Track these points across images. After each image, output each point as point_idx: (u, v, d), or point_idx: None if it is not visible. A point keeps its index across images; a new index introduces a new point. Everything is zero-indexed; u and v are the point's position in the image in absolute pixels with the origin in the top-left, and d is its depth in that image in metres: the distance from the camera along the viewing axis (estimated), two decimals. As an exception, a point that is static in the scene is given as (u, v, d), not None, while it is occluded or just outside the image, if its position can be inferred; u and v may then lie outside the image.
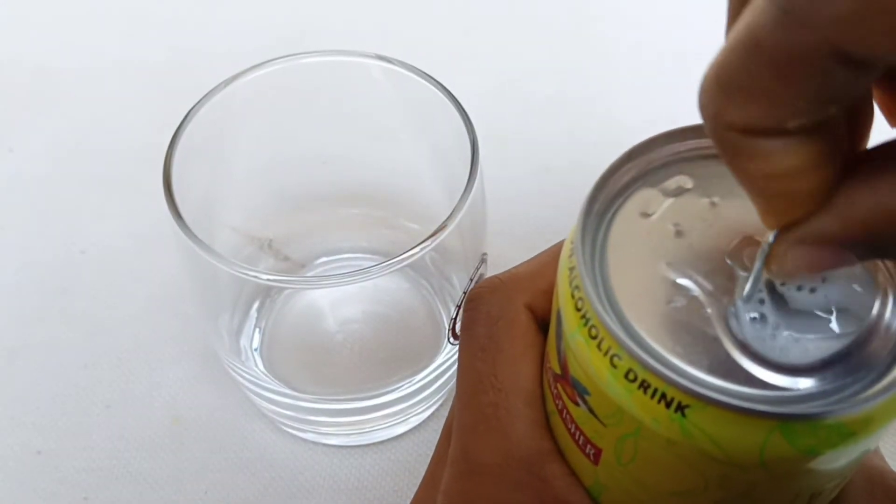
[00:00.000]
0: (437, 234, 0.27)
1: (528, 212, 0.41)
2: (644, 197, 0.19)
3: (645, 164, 0.20)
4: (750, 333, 0.18)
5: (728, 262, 0.19)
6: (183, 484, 0.32)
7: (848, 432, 0.17)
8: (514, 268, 0.24)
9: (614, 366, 0.17)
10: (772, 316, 0.18)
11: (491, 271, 0.37)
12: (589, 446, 0.20)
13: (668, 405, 0.17)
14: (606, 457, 0.20)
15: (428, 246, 0.27)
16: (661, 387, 0.17)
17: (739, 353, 0.17)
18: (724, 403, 0.16)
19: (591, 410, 0.19)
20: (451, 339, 0.31)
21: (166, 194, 0.27)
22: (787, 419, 0.16)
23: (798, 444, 0.17)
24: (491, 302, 0.23)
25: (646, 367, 0.17)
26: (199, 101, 0.30)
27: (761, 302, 0.18)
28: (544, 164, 0.43)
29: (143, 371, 0.36)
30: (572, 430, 0.20)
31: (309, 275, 0.26)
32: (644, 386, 0.17)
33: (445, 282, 0.35)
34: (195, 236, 0.27)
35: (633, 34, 0.50)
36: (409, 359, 0.34)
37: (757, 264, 0.18)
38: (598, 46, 0.49)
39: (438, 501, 0.22)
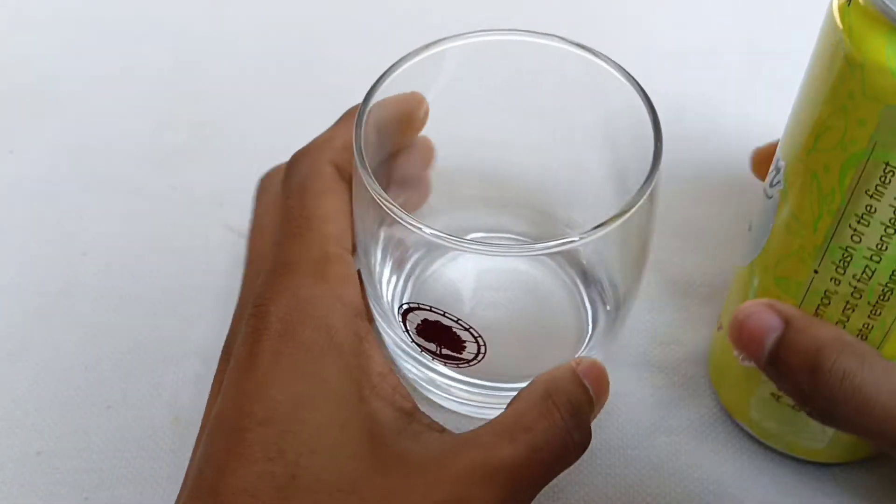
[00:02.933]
0: (607, 225, 0.25)
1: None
2: None
3: None
4: None
5: None
6: (183, 484, 0.32)
7: None
8: (318, 136, 0.31)
9: None
10: None
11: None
12: None
13: None
14: None
15: (595, 235, 0.25)
16: None
17: None
18: None
19: None
20: None
21: (357, 155, 0.27)
22: None
23: None
24: (301, 162, 0.30)
25: None
26: (373, 85, 0.29)
27: None
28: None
29: (144, 371, 0.36)
30: None
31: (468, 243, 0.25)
32: None
33: (598, 286, 0.34)
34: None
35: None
36: (544, 354, 0.33)
37: None
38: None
39: (253, 295, 0.27)
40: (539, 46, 0.31)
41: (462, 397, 0.32)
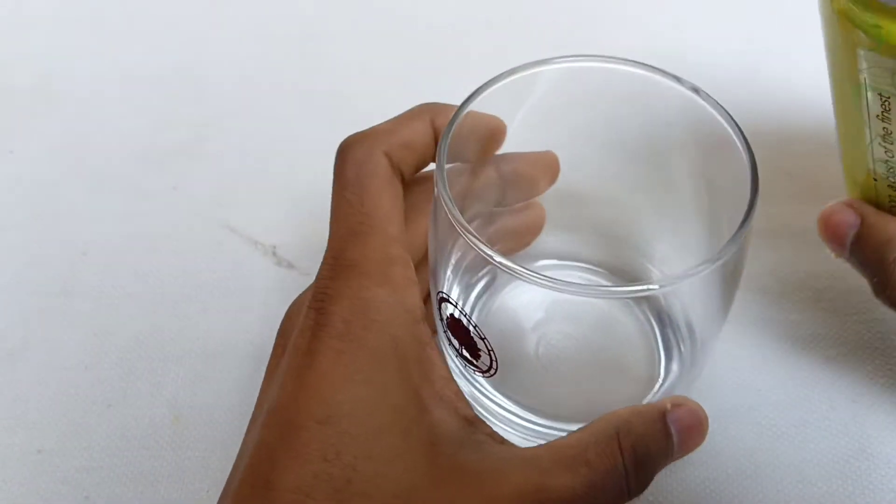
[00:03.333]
0: (695, 272, 0.24)
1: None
2: None
3: None
4: None
5: None
6: (184, 483, 0.32)
7: None
8: (377, 125, 0.30)
9: None
10: None
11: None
12: None
13: None
14: None
15: (680, 282, 0.24)
16: None
17: None
18: None
19: None
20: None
21: (438, 173, 0.26)
22: None
23: None
24: (357, 149, 0.29)
25: None
26: (462, 104, 0.28)
27: None
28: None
29: (144, 371, 0.36)
30: None
31: (536, 273, 0.24)
32: None
33: (675, 328, 0.32)
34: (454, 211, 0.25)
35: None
36: (608, 395, 0.31)
37: None
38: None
39: (310, 293, 0.27)
40: (636, 76, 0.30)
41: (520, 431, 0.31)
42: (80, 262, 0.40)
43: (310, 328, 0.26)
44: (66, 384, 0.35)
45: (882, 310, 0.36)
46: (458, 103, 0.29)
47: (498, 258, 0.24)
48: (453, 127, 0.27)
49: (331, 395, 0.25)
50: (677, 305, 0.31)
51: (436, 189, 0.26)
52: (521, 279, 0.24)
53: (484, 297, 0.33)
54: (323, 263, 0.28)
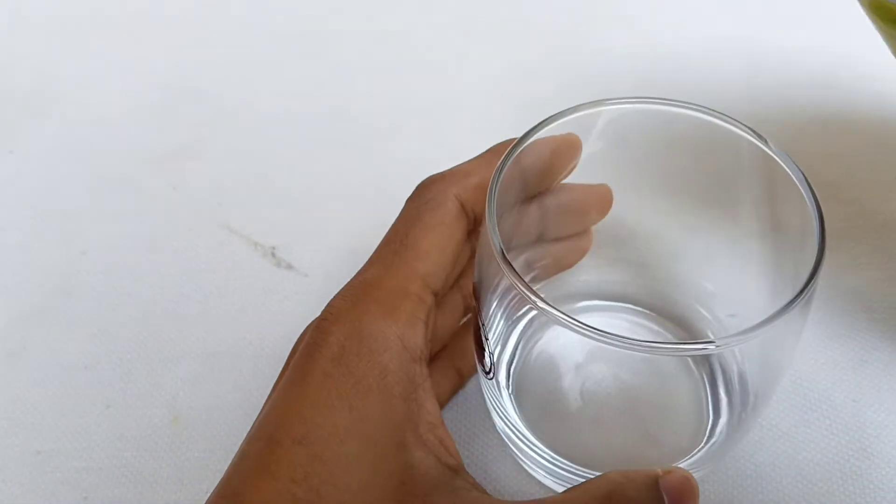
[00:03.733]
0: (753, 332, 0.23)
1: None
2: None
3: None
4: None
5: None
6: (183, 483, 0.32)
7: None
8: (457, 165, 0.30)
9: None
10: None
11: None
12: None
13: None
14: None
15: (738, 342, 0.23)
16: None
17: None
18: None
19: None
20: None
21: (488, 206, 0.25)
22: None
23: None
24: (430, 189, 0.29)
25: None
26: (520, 139, 0.27)
27: None
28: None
29: (143, 371, 0.36)
30: None
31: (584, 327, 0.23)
32: None
33: (728, 382, 0.30)
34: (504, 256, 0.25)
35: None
36: (646, 451, 0.30)
37: None
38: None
39: (323, 312, 0.27)
40: (705, 122, 0.29)
41: (551, 475, 0.30)
42: (79, 262, 0.40)
43: (308, 347, 0.26)
44: (65, 384, 0.35)
45: (882, 308, 0.36)
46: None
47: (541, 304, 0.24)
48: (509, 161, 0.27)
49: (311, 416, 0.25)
50: (732, 363, 0.30)
51: (483, 223, 0.26)
52: (566, 327, 0.23)
53: (528, 333, 0.32)
54: (348, 283, 0.28)
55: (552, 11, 0.51)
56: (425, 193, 0.29)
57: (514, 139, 0.28)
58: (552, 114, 0.28)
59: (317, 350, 0.26)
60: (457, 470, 0.26)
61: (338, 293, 0.27)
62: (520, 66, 0.48)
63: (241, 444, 0.26)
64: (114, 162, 0.44)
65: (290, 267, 0.39)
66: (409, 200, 0.29)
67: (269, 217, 0.41)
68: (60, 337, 0.37)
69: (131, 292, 0.38)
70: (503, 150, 0.28)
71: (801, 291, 0.23)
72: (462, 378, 0.33)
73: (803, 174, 0.26)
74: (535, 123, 0.28)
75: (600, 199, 0.32)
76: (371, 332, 0.26)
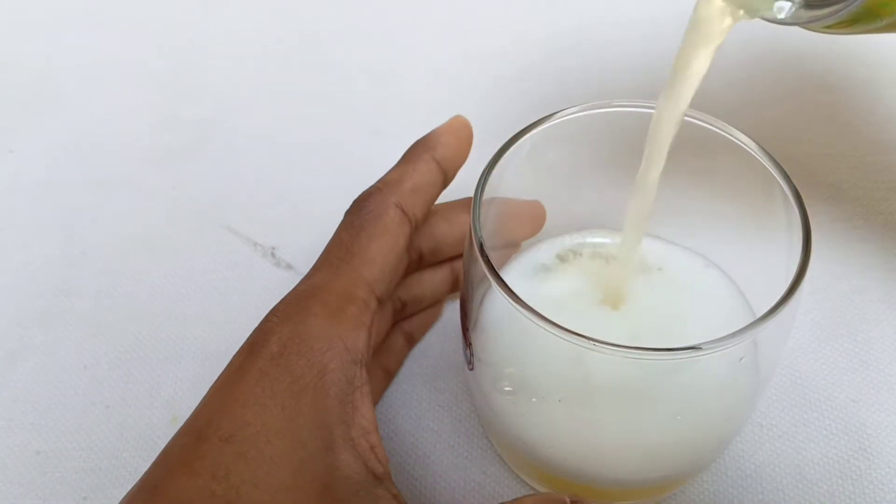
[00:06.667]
0: (746, 331, 0.23)
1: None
2: None
3: None
4: None
5: None
6: (182, 484, 0.32)
7: None
8: (386, 174, 0.31)
9: None
10: None
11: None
12: None
13: None
14: None
15: (741, 340, 0.23)
16: None
17: None
18: None
19: None
20: None
21: (478, 248, 0.26)
22: None
23: None
24: (370, 200, 0.30)
25: None
26: (510, 140, 0.28)
27: None
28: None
29: (143, 371, 0.36)
30: None
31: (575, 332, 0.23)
32: None
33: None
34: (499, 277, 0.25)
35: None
36: (667, 472, 0.30)
37: None
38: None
39: (269, 313, 0.27)
40: (696, 126, 0.29)
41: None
42: (79, 262, 0.40)
43: (248, 345, 0.27)
44: (64, 385, 0.35)
45: (882, 309, 0.36)
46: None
47: (531, 316, 0.24)
48: (482, 195, 0.27)
49: (241, 414, 0.25)
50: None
51: (474, 263, 0.26)
52: (553, 334, 0.24)
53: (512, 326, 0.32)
54: (294, 288, 0.28)
55: (552, 11, 0.51)
56: (366, 205, 0.29)
57: (426, 138, 0.30)
58: (547, 114, 0.29)
59: (257, 348, 0.26)
60: (381, 478, 0.26)
61: (285, 296, 0.28)
62: (520, 67, 0.48)
63: (170, 440, 0.26)
64: (114, 162, 0.44)
65: (289, 267, 0.39)
66: (349, 213, 0.30)
67: (269, 217, 0.41)
68: (60, 337, 0.37)
69: (131, 292, 0.38)
70: (420, 154, 0.30)
71: (786, 295, 0.24)
72: (390, 376, 0.34)
73: (786, 175, 0.27)
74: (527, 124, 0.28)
75: (533, 218, 0.33)
76: (314, 332, 0.26)
